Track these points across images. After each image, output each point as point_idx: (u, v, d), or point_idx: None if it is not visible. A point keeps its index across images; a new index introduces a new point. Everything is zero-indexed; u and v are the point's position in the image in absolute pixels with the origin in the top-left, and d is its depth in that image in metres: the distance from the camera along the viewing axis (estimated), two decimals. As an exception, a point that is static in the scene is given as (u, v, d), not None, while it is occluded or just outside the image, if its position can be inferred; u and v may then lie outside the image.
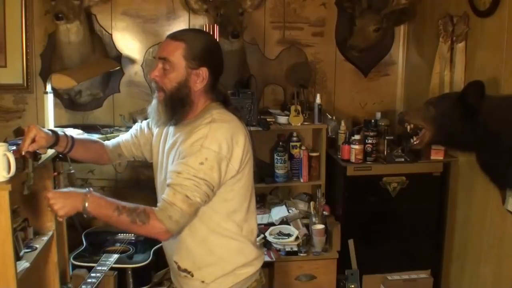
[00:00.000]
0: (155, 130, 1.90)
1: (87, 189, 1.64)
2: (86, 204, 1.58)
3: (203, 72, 1.69)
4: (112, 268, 2.74)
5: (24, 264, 2.12)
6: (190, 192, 1.59)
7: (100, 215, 1.62)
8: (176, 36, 1.71)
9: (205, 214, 1.71)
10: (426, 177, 3.13)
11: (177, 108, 1.71)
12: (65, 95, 3.32)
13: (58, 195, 1.60)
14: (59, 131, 1.90)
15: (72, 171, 2.85)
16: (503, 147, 2.05)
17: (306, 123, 3.27)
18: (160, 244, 2.95)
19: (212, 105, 1.76)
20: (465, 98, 2.11)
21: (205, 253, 1.74)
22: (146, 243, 3.04)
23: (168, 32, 3.31)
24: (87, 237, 3.15)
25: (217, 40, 1.92)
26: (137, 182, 3.46)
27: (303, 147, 3.35)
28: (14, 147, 2.14)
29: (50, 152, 2.40)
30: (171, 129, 1.80)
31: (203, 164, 1.60)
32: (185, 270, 1.77)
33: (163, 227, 1.58)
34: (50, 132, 1.82)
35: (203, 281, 1.76)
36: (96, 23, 3.30)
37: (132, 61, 3.38)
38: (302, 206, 3.38)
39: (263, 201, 3.47)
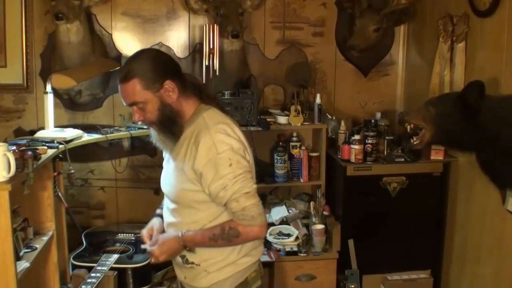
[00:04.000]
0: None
1: (180, 233, 1.80)
2: (185, 245, 1.80)
3: (168, 84, 1.73)
4: (112, 268, 2.74)
5: (24, 264, 2.12)
6: (245, 188, 1.71)
7: (201, 247, 1.81)
8: (125, 78, 1.72)
9: (214, 213, 1.79)
10: (426, 177, 3.13)
11: (172, 126, 1.78)
12: (65, 95, 3.32)
13: (163, 253, 1.81)
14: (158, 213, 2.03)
15: (72, 171, 2.86)
16: (503, 147, 2.05)
17: (306, 123, 3.27)
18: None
19: (201, 107, 1.81)
20: (465, 98, 2.11)
21: (211, 248, 1.80)
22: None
23: (168, 32, 3.36)
24: (87, 237, 3.15)
25: (166, 53, 1.94)
26: (137, 181, 3.46)
27: (303, 147, 3.35)
28: (14, 147, 2.15)
29: (50, 152, 2.41)
30: None
31: (231, 164, 1.69)
32: (192, 263, 1.85)
33: (255, 227, 1.73)
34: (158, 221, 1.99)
35: (206, 270, 1.83)
36: (96, 23, 3.30)
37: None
38: (302, 206, 3.38)
39: (263, 201, 3.45)
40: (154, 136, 1.84)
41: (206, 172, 1.70)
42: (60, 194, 2.71)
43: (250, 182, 1.72)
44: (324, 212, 3.21)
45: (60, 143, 2.59)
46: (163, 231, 1.94)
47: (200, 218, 1.79)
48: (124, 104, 1.77)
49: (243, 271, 1.84)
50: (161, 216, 1.98)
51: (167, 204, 1.90)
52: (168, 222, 1.89)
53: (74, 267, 2.86)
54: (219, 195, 1.71)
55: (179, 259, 1.88)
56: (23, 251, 2.22)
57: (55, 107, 2.93)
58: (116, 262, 2.78)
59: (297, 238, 3.10)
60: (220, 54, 3.17)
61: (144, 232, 1.95)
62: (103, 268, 2.65)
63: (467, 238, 2.91)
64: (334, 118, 3.32)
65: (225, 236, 1.74)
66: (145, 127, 3.14)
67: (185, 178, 1.76)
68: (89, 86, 3.27)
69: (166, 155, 1.91)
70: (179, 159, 1.78)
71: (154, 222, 1.99)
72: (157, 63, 1.74)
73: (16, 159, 1.92)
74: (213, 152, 1.69)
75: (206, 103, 1.83)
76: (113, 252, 2.90)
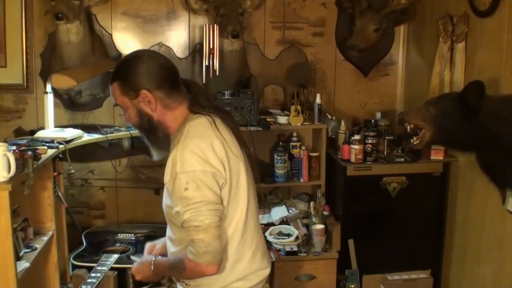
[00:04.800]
0: None
1: (153, 257, 1.81)
2: (156, 272, 1.77)
3: (144, 94, 1.65)
4: (112, 268, 2.74)
5: (24, 264, 2.13)
6: (195, 221, 1.56)
7: (164, 275, 1.82)
8: (110, 79, 1.71)
9: None
10: (426, 177, 3.13)
11: (152, 137, 1.73)
12: (65, 95, 3.32)
13: (138, 273, 1.83)
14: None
15: (72, 171, 2.86)
16: (503, 147, 2.06)
17: (306, 123, 3.27)
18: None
19: (189, 117, 1.70)
20: (465, 98, 2.11)
21: None
22: (146, 243, 3.04)
23: (168, 32, 3.36)
24: (87, 237, 3.15)
25: (148, 51, 1.84)
26: (137, 181, 3.47)
27: (303, 147, 3.35)
28: (14, 147, 2.15)
29: (50, 152, 2.41)
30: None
31: (187, 189, 1.55)
32: (182, 281, 1.78)
33: (199, 264, 1.59)
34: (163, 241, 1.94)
35: None
36: (96, 23, 3.30)
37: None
38: (302, 206, 3.38)
39: (263, 201, 3.47)
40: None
41: (169, 189, 1.60)
42: (60, 194, 2.71)
43: (203, 215, 1.54)
44: (324, 212, 3.20)
45: (60, 143, 2.59)
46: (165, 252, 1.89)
47: (181, 237, 1.68)
48: None
49: None
50: None
51: None
52: (167, 235, 1.82)
53: (74, 267, 2.86)
54: (175, 216, 1.61)
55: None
56: (23, 251, 2.23)
57: (55, 107, 2.93)
58: (116, 262, 2.78)
59: (297, 238, 3.10)
60: (220, 54, 3.17)
61: (147, 246, 1.95)
62: (103, 268, 2.65)
63: (467, 238, 2.91)
64: (334, 118, 3.32)
65: (174, 267, 1.66)
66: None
67: (165, 192, 1.69)
68: (89, 86, 3.27)
69: None
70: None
71: (162, 240, 1.94)
72: (138, 71, 1.66)
73: (16, 159, 1.92)
74: (174, 170, 1.57)
75: (196, 112, 1.71)
76: (113, 252, 2.90)
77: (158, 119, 1.69)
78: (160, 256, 1.83)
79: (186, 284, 1.76)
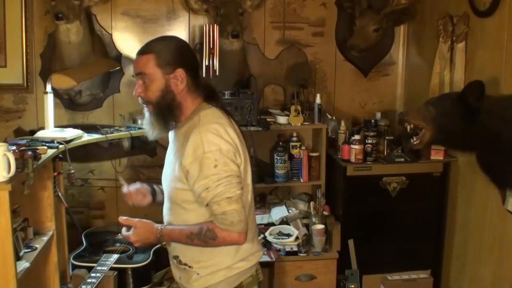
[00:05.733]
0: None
1: (160, 226, 1.80)
2: (160, 240, 1.80)
3: (180, 73, 1.75)
4: (112, 268, 2.74)
5: (24, 264, 2.13)
6: (228, 193, 1.68)
7: (177, 243, 1.82)
8: (144, 51, 1.77)
9: (204, 214, 1.76)
10: (426, 177, 3.13)
11: (167, 114, 1.79)
12: (65, 95, 3.32)
13: (137, 241, 1.80)
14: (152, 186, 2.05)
15: (72, 171, 2.86)
16: (503, 147, 2.06)
17: (306, 123, 3.27)
18: (160, 245, 2.95)
19: (201, 106, 1.81)
20: (465, 98, 2.11)
21: (202, 250, 1.79)
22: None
23: (168, 32, 3.36)
24: (87, 237, 3.15)
25: (186, 42, 1.92)
26: (137, 181, 3.46)
27: (303, 147, 3.35)
28: (14, 147, 2.15)
29: (50, 152, 2.41)
30: (171, 133, 1.89)
31: (217, 166, 1.67)
32: (185, 264, 1.84)
33: (233, 233, 1.71)
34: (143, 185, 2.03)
35: (198, 273, 1.82)
36: (96, 23, 3.30)
37: (132, 61, 3.34)
38: (302, 206, 3.38)
39: (263, 201, 3.47)
40: (146, 118, 1.84)
41: (192, 170, 1.70)
42: (60, 194, 2.71)
43: (234, 187, 1.69)
44: (324, 212, 3.20)
45: (60, 143, 2.59)
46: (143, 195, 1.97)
47: (189, 218, 1.78)
48: (133, 73, 1.81)
49: (237, 275, 1.82)
50: (153, 188, 2.01)
51: (165, 201, 1.90)
52: (166, 220, 1.89)
53: (74, 267, 2.86)
54: (202, 195, 1.70)
55: (173, 259, 1.88)
56: (23, 251, 2.23)
57: (55, 107, 2.93)
58: (116, 262, 2.78)
59: (297, 238, 3.10)
60: (220, 54, 3.17)
61: (121, 220, 1.86)
62: (103, 268, 2.65)
63: (467, 238, 2.91)
64: (334, 118, 3.32)
65: (201, 237, 1.72)
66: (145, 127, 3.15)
67: (175, 176, 1.76)
68: (89, 86, 3.27)
69: (167, 150, 1.92)
70: (173, 156, 1.80)
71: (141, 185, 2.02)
72: (178, 50, 1.77)
73: (16, 159, 1.92)
74: (200, 151, 1.68)
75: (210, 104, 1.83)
76: (113, 252, 2.90)
77: (180, 100, 1.79)
78: (163, 226, 1.82)
79: (189, 266, 1.82)
